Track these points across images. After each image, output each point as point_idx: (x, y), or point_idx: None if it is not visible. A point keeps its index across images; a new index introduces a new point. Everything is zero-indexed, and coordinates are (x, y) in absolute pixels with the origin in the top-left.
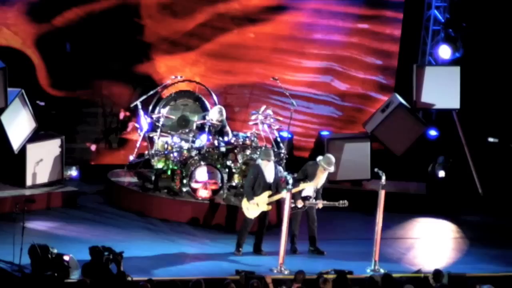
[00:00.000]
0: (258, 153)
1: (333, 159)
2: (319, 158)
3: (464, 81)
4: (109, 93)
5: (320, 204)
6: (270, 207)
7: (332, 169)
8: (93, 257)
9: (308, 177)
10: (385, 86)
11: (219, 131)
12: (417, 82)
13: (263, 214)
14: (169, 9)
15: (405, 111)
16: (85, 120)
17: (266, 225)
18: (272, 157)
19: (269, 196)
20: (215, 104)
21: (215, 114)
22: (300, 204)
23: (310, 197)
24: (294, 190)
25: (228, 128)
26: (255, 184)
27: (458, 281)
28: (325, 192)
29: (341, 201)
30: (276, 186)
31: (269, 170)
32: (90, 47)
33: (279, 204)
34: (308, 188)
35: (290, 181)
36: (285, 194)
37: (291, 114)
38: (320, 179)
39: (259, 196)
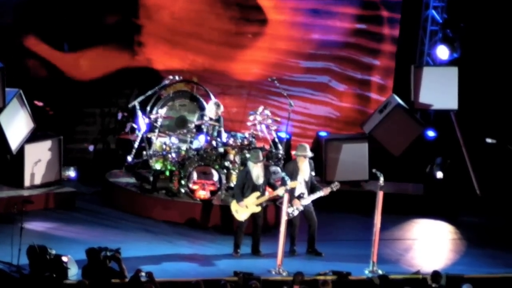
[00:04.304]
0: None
1: (306, 145)
2: (293, 152)
3: (462, 82)
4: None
5: (326, 190)
6: (259, 208)
7: (309, 153)
8: (90, 257)
9: (293, 174)
10: (383, 86)
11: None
12: (415, 82)
13: (255, 215)
14: (167, 9)
15: (403, 112)
16: (83, 120)
17: (261, 226)
18: (261, 159)
19: (258, 197)
20: None
21: (212, 109)
22: (297, 204)
23: (304, 193)
24: (290, 186)
25: (222, 129)
26: (244, 186)
27: (456, 282)
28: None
29: (333, 185)
30: (272, 186)
31: (257, 172)
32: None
33: (277, 206)
34: (299, 186)
35: (288, 182)
36: (276, 193)
37: (289, 115)
38: (305, 170)
39: (248, 198)
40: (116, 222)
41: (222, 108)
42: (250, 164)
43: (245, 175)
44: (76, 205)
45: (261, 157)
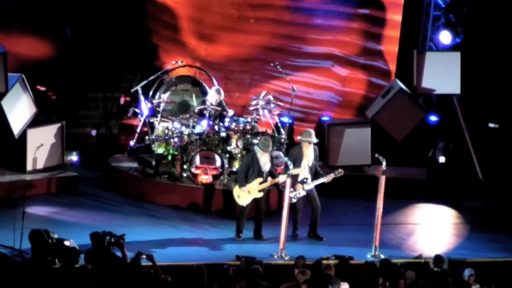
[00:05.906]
0: (257, 141)
1: (311, 130)
2: (298, 137)
3: (464, 67)
4: None
5: (329, 177)
6: (261, 194)
7: (314, 139)
8: (94, 242)
9: (296, 159)
10: (386, 71)
11: (219, 115)
12: (418, 67)
13: (257, 200)
14: None
15: (406, 97)
16: (85, 105)
17: (263, 210)
18: (270, 149)
19: (260, 183)
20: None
21: (213, 95)
22: (299, 189)
23: (307, 179)
24: (293, 172)
25: (226, 109)
26: (248, 171)
27: (458, 267)
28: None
29: (336, 172)
30: (271, 175)
31: (264, 159)
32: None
33: (280, 190)
34: (303, 171)
35: (290, 166)
36: (276, 180)
37: (291, 100)
38: (309, 155)
39: (251, 183)
40: (118, 207)
41: (222, 94)
42: (258, 151)
43: (251, 159)
44: (79, 190)
45: (270, 147)
